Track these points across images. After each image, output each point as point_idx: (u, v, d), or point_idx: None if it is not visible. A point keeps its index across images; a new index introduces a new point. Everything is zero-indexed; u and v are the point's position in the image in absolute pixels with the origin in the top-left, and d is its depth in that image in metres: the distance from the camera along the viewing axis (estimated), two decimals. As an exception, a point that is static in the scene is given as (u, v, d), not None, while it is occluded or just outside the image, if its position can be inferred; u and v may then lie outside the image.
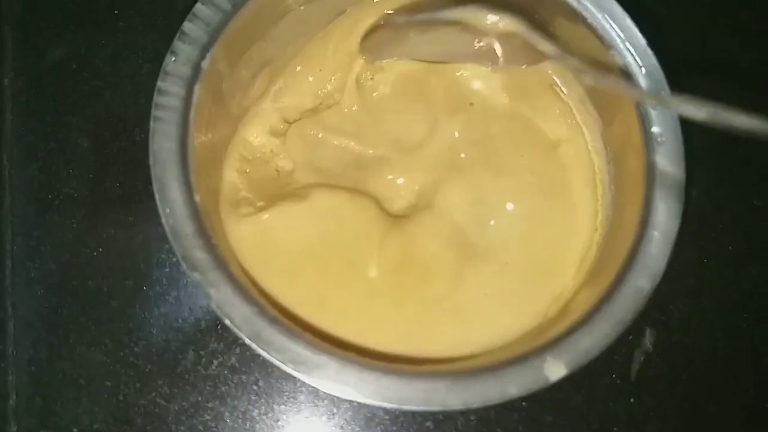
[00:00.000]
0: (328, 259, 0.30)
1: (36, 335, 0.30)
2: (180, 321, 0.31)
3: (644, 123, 0.27)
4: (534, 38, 0.28)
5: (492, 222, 0.31)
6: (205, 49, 0.26)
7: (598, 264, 0.29)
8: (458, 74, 0.32)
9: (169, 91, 0.25)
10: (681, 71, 0.27)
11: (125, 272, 0.27)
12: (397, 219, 0.31)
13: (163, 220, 0.24)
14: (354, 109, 0.32)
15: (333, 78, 0.32)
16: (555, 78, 0.32)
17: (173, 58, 0.26)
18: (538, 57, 0.28)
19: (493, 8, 0.29)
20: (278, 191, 0.31)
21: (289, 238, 0.29)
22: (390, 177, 0.32)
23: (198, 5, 0.26)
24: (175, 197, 0.24)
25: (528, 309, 0.30)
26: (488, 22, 0.28)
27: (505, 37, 0.29)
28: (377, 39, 0.31)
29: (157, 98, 0.25)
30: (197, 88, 0.26)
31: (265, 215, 0.29)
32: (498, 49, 0.29)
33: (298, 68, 0.32)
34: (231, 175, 0.30)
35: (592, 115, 0.31)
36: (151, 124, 0.25)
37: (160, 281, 0.31)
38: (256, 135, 0.31)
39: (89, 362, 0.30)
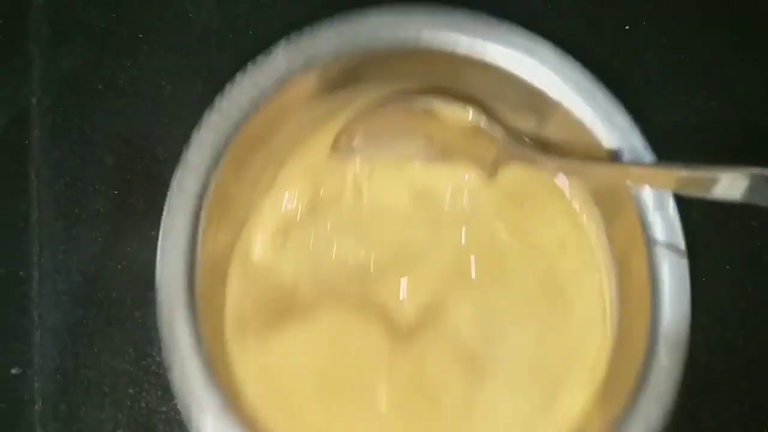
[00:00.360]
0: (336, 389, 0.29)
1: (62, 345, 0.32)
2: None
3: (644, 220, 0.28)
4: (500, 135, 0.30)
5: (501, 338, 0.30)
6: (209, 173, 0.27)
7: (609, 380, 0.29)
8: (461, 179, 0.32)
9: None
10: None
11: (148, 284, 0.29)
12: (404, 336, 0.30)
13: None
14: (352, 214, 0.32)
15: (331, 180, 0.32)
16: (557, 179, 0.32)
17: (181, 177, 0.27)
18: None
19: (458, 100, 0.30)
20: (282, 308, 0.30)
21: (293, 365, 0.29)
22: (395, 289, 0.31)
23: (204, 121, 0.27)
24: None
25: (540, 430, 0.29)
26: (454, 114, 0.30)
27: (474, 134, 0.30)
28: (364, 138, 0.31)
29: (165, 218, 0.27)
30: (203, 216, 0.27)
31: (270, 344, 0.29)
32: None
33: (296, 166, 0.32)
34: (235, 291, 0.30)
35: (595, 214, 0.31)
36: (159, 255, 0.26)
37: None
38: (257, 244, 0.31)
39: (113, 370, 0.31)
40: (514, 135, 0.31)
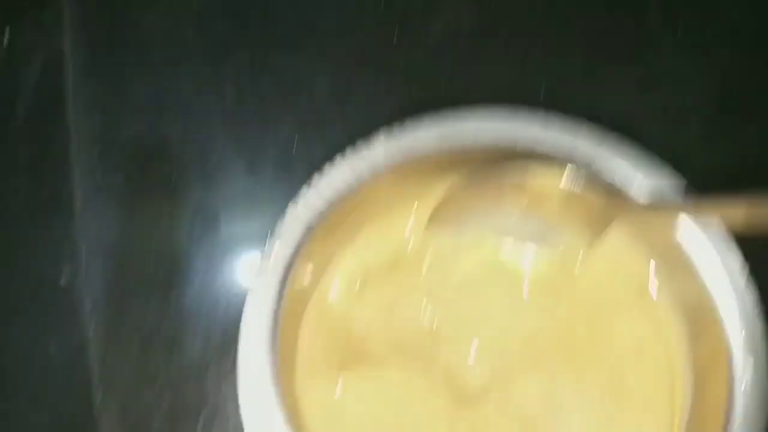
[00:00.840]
0: None
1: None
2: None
3: (731, 350, 0.27)
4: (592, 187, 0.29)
5: (563, 423, 0.30)
6: (302, 242, 0.28)
7: None
8: (544, 266, 0.32)
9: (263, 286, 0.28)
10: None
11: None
12: (467, 403, 0.31)
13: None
14: (430, 279, 0.32)
15: (413, 242, 0.32)
16: (646, 286, 0.32)
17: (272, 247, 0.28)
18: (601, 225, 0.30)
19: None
20: (353, 355, 0.31)
21: (358, 414, 0.30)
22: (463, 356, 0.31)
23: (301, 198, 0.28)
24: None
25: None
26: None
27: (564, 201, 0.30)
28: (450, 213, 0.31)
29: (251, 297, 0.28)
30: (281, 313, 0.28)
31: (338, 386, 0.30)
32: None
33: (382, 226, 0.32)
34: (308, 332, 0.31)
35: (681, 326, 0.31)
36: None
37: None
38: (335, 289, 0.32)
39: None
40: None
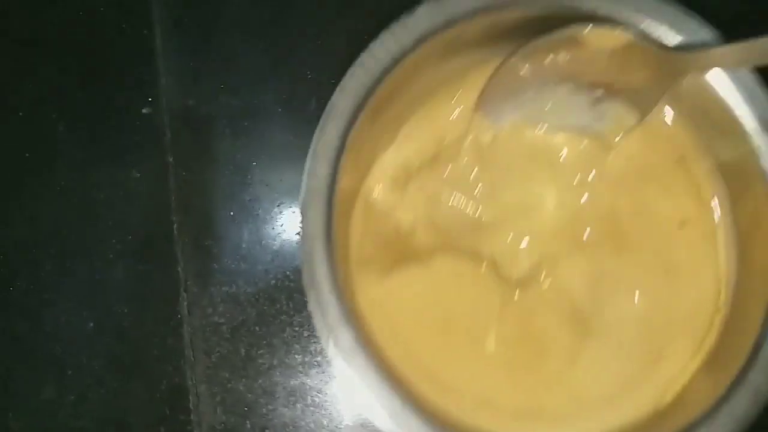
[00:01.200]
0: (448, 329, 0.30)
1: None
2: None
3: None
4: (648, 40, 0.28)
5: (611, 301, 0.31)
6: (350, 124, 0.28)
7: (718, 349, 0.29)
8: (583, 145, 0.31)
9: (317, 173, 0.28)
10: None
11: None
12: (515, 289, 0.31)
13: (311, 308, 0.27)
14: (472, 168, 0.32)
15: (454, 131, 0.32)
16: (684, 153, 0.31)
17: (321, 136, 0.28)
18: (660, 80, 0.29)
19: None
20: (401, 250, 0.31)
21: (411, 305, 0.30)
22: (508, 242, 0.31)
23: (346, 77, 0.28)
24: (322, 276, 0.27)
25: (643, 392, 0.30)
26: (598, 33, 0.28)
27: (619, 60, 0.29)
28: (494, 97, 0.31)
29: (308, 181, 0.27)
30: (342, 160, 0.28)
31: (391, 280, 0.30)
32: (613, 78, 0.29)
33: (423, 118, 0.32)
34: (357, 231, 0.31)
35: (721, 191, 0.31)
36: (302, 199, 0.27)
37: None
38: (379, 187, 0.32)
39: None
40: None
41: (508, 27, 0.30)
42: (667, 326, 0.30)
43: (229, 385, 0.34)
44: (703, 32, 0.29)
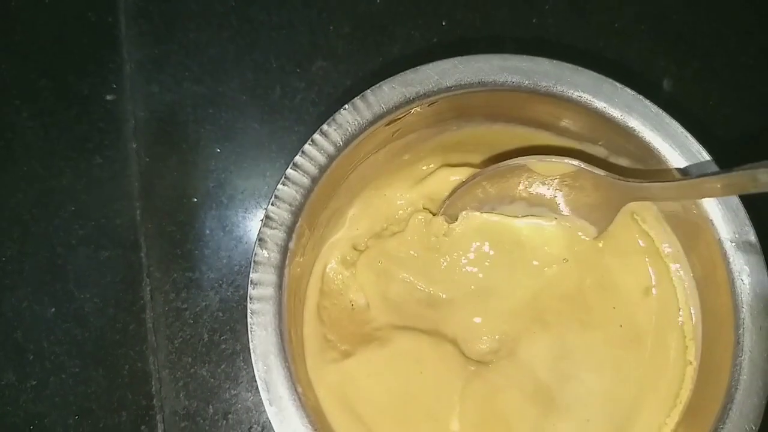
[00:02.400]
0: (409, 412, 0.29)
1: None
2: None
3: (725, 254, 0.27)
4: (592, 169, 0.29)
5: (575, 376, 0.30)
6: (290, 230, 0.27)
7: (694, 401, 0.29)
8: (546, 226, 0.32)
9: (263, 281, 0.26)
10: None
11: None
12: (478, 366, 0.31)
13: (272, 419, 0.25)
14: (418, 248, 0.32)
15: (403, 209, 0.32)
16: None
17: (263, 250, 0.26)
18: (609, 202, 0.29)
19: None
20: (358, 331, 0.31)
21: (371, 386, 0.30)
22: (468, 320, 0.31)
23: (280, 187, 0.27)
24: (282, 393, 0.26)
25: None
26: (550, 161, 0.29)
27: (571, 183, 0.30)
28: (456, 207, 0.31)
29: (251, 291, 0.26)
30: (287, 271, 0.27)
31: (349, 362, 0.30)
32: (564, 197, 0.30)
33: (371, 197, 0.32)
34: (312, 312, 0.31)
35: (673, 243, 0.30)
36: (249, 319, 0.26)
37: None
38: (330, 266, 0.32)
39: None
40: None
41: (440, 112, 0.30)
42: (636, 395, 0.30)
43: (192, 370, 0.34)
44: (700, 156, 0.28)
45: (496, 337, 0.31)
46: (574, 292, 0.31)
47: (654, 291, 0.31)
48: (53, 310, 0.35)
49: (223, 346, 0.34)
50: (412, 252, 0.32)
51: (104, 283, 0.35)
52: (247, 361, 0.34)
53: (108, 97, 0.36)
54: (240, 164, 0.35)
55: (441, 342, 0.30)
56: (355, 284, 0.32)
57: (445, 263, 0.32)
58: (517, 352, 0.31)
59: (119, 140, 0.36)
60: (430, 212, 0.32)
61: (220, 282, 0.35)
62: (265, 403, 0.26)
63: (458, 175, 0.32)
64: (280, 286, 0.27)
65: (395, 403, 0.30)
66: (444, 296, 0.31)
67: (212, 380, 0.34)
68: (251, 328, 0.26)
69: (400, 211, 0.32)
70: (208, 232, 0.35)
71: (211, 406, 0.34)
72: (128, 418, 0.34)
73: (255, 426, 0.34)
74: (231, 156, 0.35)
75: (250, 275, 0.26)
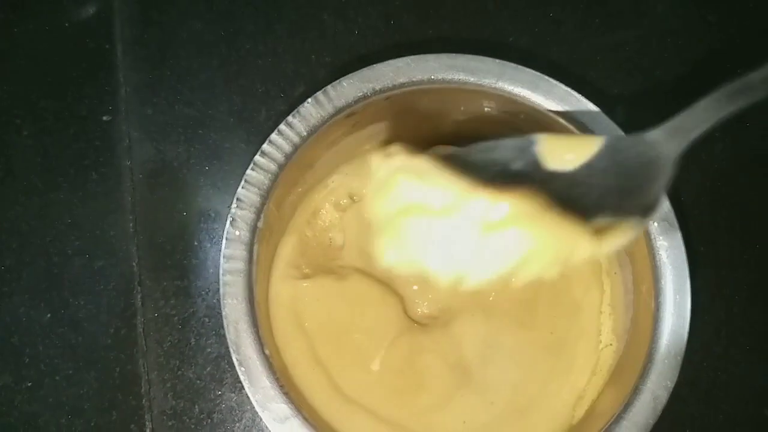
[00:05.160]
0: (343, 340, 0.33)
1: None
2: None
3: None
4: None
5: (495, 364, 0.33)
6: (259, 211, 0.30)
7: (619, 368, 0.32)
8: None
9: (234, 256, 0.30)
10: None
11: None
12: (413, 325, 0.34)
13: (241, 377, 0.29)
14: (399, 217, 0.31)
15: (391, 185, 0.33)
16: None
17: (234, 228, 0.30)
18: None
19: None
20: (325, 263, 0.34)
21: (318, 309, 0.33)
22: (420, 284, 0.34)
23: (248, 171, 0.30)
24: (250, 355, 0.29)
25: None
26: None
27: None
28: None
29: (224, 265, 0.30)
30: (256, 248, 0.30)
31: (305, 283, 0.33)
32: None
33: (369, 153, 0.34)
34: (292, 239, 0.34)
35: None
36: (221, 289, 0.29)
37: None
38: (325, 206, 0.35)
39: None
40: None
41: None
42: (543, 391, 0.33)
43: (180, 372, 0.36)
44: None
45: (438, 306, 0.34)
46: (531, 297, 0.34)
47: (584, 311, 0.34)
48: (49, 315, 0.37)
49: (209, 350, 0.37)
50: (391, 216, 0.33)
51: (98, 290, 0.37)
52: (231, 363, 0.36)
53: (104, 118, 0.39)
54: (227, 181, 0.38)
55: (389, 294, 0.34)
56: (340, 226, 0.35)
57: (412, 229, 0.33)
58: (452, 325, 0.34)
59: (114, 158, 0.38)
60: None
61: (207, 290, 0.37)
62: (236, 363, 0.29)
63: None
64: (249, 261, 0.30)
65: (335, 330, 0.33)
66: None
67: (198, 381, 0.36)
68: (224, 297, 0.29)
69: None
70: (196, 243, 0.38)
71: (197, 406, 0.36)
72: (118, 417, 0.36)
73: (237, 424, 0.36)
74: (219, 173, 0.38)
75: (223, 251, 0.30)
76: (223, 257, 0.30)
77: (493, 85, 0.31)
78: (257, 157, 0.31)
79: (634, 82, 0.40)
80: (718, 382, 0.37)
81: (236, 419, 0.36)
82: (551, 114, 0.31)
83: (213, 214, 0.38)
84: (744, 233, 0.38)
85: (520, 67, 0.31)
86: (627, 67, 0.40)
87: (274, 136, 0.31)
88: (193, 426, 0.36)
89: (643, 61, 0.40)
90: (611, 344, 0.33)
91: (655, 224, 0.30)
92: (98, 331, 0.37)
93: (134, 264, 0.37)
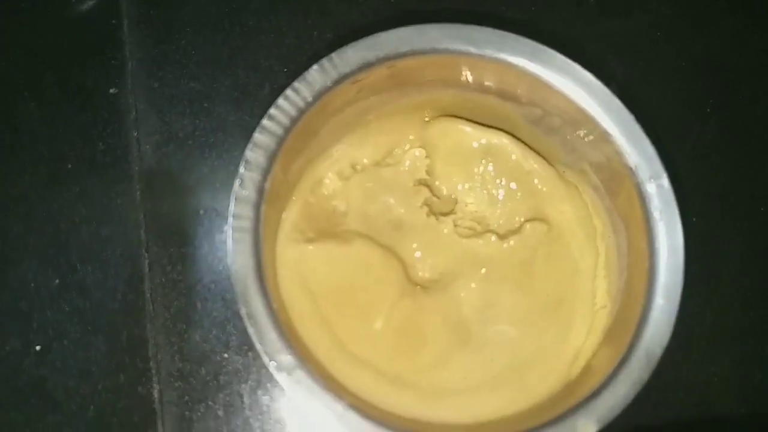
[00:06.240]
0: (347, 300, 0.34)
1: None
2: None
3: (643, 195, 0.31)
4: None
5: (494, 325, 0.34)
6: (266, 173, 0.31)
7: (613, 328, 0.33)
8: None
9: (242, 214, 0.31)
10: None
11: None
12: (415, 287, 0.35)
13: (249, 329, 0.30)
14: (407, 179, 0.36)
15: (399, 146, 0.37)
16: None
17: (243, 189, 0.31)
18: None
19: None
20: (329, 228, 0.35)
21: (323, 271, 0.34)
22: (423, 250, 0.35)
23: (256, 134, 0.31)
24: (258, 308, 0.30)
25: (513, 396, 0.33)
26: None
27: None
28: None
29: (233, 223, 0.30)
30: (263, 208, 0.31)
31: (310, 246, 0.34)
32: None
33: (380, 128, 0.36)
34: (297, 205, 0.35)
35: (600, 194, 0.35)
36: (229, 244, 0.30)
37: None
38: (328, 175, 0.36)
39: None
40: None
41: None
42: (537, 357, 0.34)
43: (186, 336, 0.37)
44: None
45: (439, 271, 0.35)
46: (528, 260, 0.35)
47: (583, 266, 0.36)
48: (57, 281, 0.38)
49: (215, 314, 0.38)
50: (400, 180, 0.36)
51: (105, 257, 0.38)
52: (237, 327, 0.38)
53: (111, 91, 0.40)
54: (231, 152, 0.39)
55: (392, 258, 0.35)
56: (343, 194, 0.36)
57: (420, 198, 0.36)
58: (452, 288, 0.35)
59: (121, 129, 0.39)
60: (425, 150, 0.36)
61: (212, 257, 0.38)
62: (244, 317, 0.30)
63: (460, 124, 0.36)
64: (257, 220, 0.31)
65: (340, 290, 0.34)
66: (410, 222, 0.36)
67: (204, 344, 0.37)
68: (233, 254, 0.30)
69: (397, 149, 0.36)
70: (201, 212, 0.39)
71: (203, 368, 0.37)
72: (126, 379, 0.37)
73: (243, 385, 0.37)
74: (223, 145, 0.39)
75: (233, 209, 0.30)
76: (232, 216, 0.31)
77: (493, 55, 0.33)
78: (265, 121, 0.32)
79: (633, 54, 0.41)
80: (710, 347, 0.38)
81: (242, 380, 0.37)
82: (551, 84, 0.32)
83: (218, 185, 0.39)
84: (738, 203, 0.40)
85: (520, 37, 0.32)
86: (627, 40, 0.41)
87: (281, 100, 0.32)
88: (199, 387, 0.37)
89: (644, 32, 0.41)
90: (605, 306, 0.35)
91: (650, 188, 0.31)
92: (106, 297, 0.38)
93: (141, 231, 0.38)
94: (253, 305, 0.30)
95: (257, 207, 0.31)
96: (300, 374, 0.30)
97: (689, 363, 0.38)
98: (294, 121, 0.32)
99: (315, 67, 0.32)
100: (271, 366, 0.30)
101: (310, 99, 0.32)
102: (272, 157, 0.32)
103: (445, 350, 0.34)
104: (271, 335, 0.30)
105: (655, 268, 0.31)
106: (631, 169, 0.31)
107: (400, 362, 0.34)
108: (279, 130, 0.32)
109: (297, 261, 0.34)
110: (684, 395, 0.38)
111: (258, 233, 0.31)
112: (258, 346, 0.30)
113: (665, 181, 0.31)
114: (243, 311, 0.30)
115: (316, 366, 0.32)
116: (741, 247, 0.40)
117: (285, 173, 0.34)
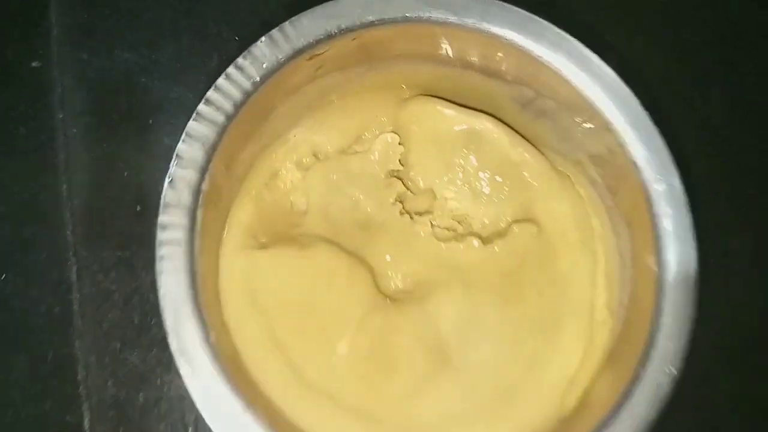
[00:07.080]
0: (306, 319, 0.29)
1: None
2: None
3: (649, 196, 0.27)
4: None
5: (476, 345, 0.30)
6: (203, 170, 0.26)
7: (615, 350, 0.29)
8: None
9: (173, 224, 0.26)
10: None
11: None
12: (386, 301, 0.30)
13: (180, 370, 0.25)
14: (377, 169, 0.32)
15: (375, 128, 0.32)
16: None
17: (173, 190, 0.26)
18: None
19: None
20: (285, 231, 0.31)
21: (277, 283, 0.30)
22: (393, 253, 0.31)
23: (190, 123, 0.27)
24: (191, 343, 0.25)
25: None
26: None
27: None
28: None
29: (160, 235, 0.26)
30: (200, 213, 0.26)
31: (262, 254, 0.30)
32: None
33: (348, 108, 0.31)
34: (247, 204, 0.30)
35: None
36: (157, 264, 0.26)
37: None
38: (285, 164, 0.31)
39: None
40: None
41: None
42: (524, 381, 0.30)
43: (121, 356, 0.32)
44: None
45: (413, 279, 0.31)
46: (515, 267, 0.31)
47: (575, 286, 0.31)
48: (-30, 291, 0.33)
49: (155, 330, 0.33)
50: (369, 171, 0.32)
51: (27, 262, 0.33)
52: (181, 345, 0.32)
53: (33, 64, 0.34)
54: (173, 136, 0.33)
55: (358, 266, 0.30)
56: (302, 188, 0.31)
57: (386, 191, 0.32)
58: (429, 301, 0.30)
59: (45, 110, 0.34)
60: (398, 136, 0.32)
61: (153, 261, 0.33)
62: (174, 353, 0.26)
63: (439, 105, 0.31)
64: (192, 229, 0.26)
65: (296, 307, 0.30)
66: (379, 223, 0.31)
67: (143, 366, 0.32)
68: (160, 274, 0.26)
69: (366, 133, 0.32)
70: (138, 208, 0.33)
71: (141, 394, 0.32)
72: (53, 407, 0.32)
73: (188, 414, 0.32)
74: (164, 127, 0.34)
75: (159, 218, 0.26)
76: (160, 226, 0.26)
77: (476, 26, 0.28)
78: (201, 106, 0.27)
79: (629, 25, 0.36)
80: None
81: (187, 409, 0.32)
82: (542, 60, 0.28)
83: (157, 174, 0.33)
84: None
85: (507, 5, 0.28)
86: (623, 10, 0.36)
87: (221, 80, 0.27)
88: (137, 417, 0.32)
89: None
90: (605, 323, 0.30)
91: (658, 188, 0.27)
92: (29, 309, 0.33)
93: (68, 232, 0.33)
94: (187, 339, 0.26)
95: (192, 212, 0.27)
96: (245, 421, 0.25)
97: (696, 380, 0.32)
98: (238, 105, 0.27)
99: (263, 39, 0.28)
100: (206, 415, 0.26)
101: (257, 78, 0.27)
102: (211, 150, 0.27)
103: (419, 377, 0.30)
104: (207, 378, 0.26)
105: (664, 284, 0.26)
106: (635, 164, 0.27)
107: (367, 393, 0.29)
108: (219, 117, 0.27)
109: (246, 273, 0.30)
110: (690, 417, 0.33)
111: (192, 245, 0.26)
112: (191, 391, 0.26)
113: (676, 181, 0.27)
114: (173, 346, 0.26)
115: (266, 406, 0.28)
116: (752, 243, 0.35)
117: (228, 167, 0.29)
